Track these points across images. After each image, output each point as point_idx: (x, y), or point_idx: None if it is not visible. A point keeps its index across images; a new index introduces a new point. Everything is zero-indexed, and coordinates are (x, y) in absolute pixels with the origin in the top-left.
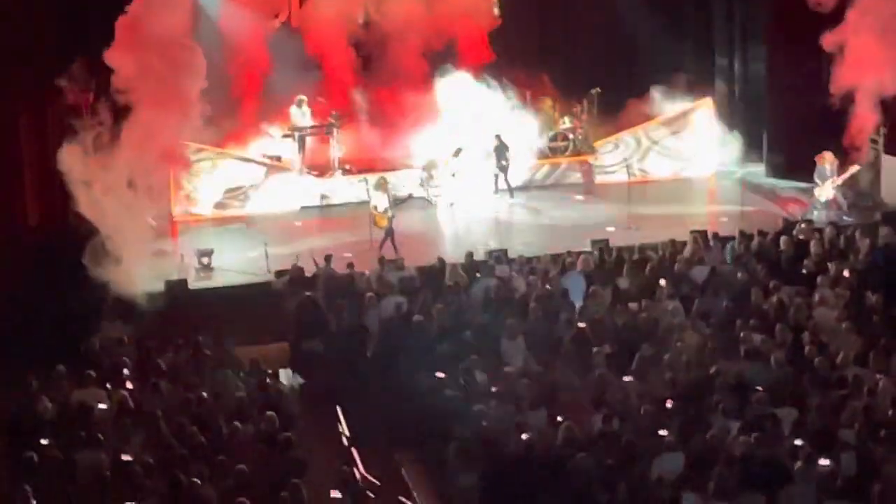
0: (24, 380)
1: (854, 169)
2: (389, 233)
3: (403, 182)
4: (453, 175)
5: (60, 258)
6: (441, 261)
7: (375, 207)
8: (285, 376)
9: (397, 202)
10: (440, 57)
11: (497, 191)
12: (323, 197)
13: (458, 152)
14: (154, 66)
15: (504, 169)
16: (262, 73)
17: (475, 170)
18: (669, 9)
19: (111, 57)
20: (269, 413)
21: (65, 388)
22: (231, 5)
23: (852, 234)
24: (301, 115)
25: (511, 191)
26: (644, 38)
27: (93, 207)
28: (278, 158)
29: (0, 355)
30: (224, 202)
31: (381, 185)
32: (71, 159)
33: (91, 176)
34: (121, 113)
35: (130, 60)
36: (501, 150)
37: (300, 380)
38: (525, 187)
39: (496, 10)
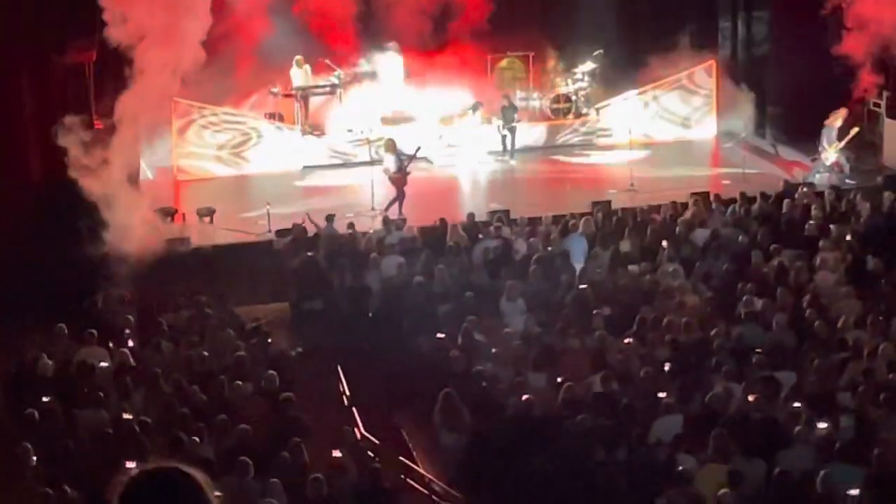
0: (26, 338)
1: (854, 131)
2: (402, 195)
3: (411, 140)
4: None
5: (62, 216)
6: (443, 221)
7: (387, 169)
8: None
9: (407, 159)
10: (440, 15)
11: (505, 151)
12: (326, 156)
13: (475, 107)
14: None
15: (512, 130)
16: (263, 31)
17: (480, 130)
18: None
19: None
20: (269, 372)
21: (66, 347)
22: None
23: (854, 197)
24: (302, 74)
25: (513, 152)
26: (645, 3)
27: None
28: (281, 117)
29: (1, 313)
30: (226, 161)
31: (390, 147)
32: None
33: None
34: (122, 69)
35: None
36: (510, 111)
37: None
38: (527, 148)
39: None
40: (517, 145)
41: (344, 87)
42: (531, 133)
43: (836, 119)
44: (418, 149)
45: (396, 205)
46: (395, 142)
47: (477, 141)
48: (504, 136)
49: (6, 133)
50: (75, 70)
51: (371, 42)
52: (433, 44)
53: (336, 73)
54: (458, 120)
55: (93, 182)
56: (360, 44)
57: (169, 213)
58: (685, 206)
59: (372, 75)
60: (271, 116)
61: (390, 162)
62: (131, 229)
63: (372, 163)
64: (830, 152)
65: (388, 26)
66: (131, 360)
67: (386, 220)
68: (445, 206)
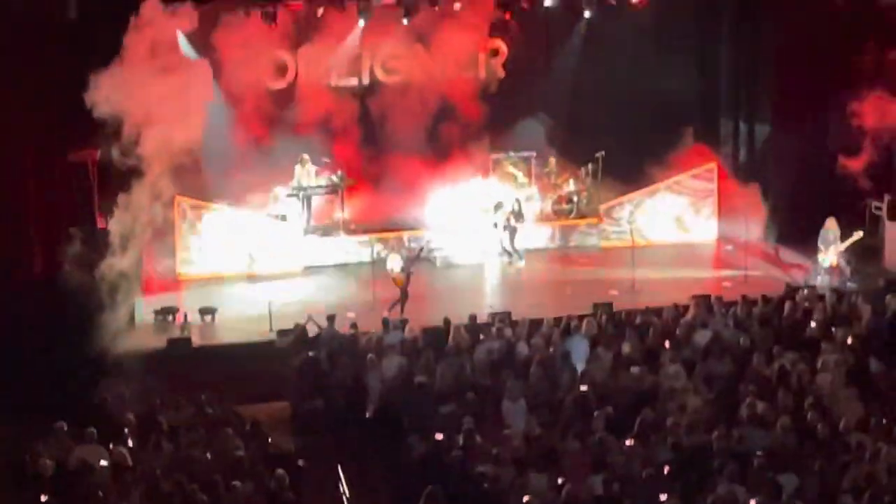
0: (25, 435)
1: (857, 235)
2: (405, 295)
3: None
4: (495, 225)
5: (64, 313)
6: (447, 322)
7: (392, 269)
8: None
9: (411, 260)
10: (441, 115)
11: (504, 252)
12: (327, 256)
13: (498, 206)
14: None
15: (514, 232)
16: (268, 132)
17: (484, 231)
18: (674, 74)
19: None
20: (279, 471)
21: (65, 445)
22: (235, 64)
23: (855, 300)
24: (305, 174)
25: (515, 254)
26: (649, 102)
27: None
28: (283, 217)
29: (1, 409)
30: (229, 260)
31: (395, 246)
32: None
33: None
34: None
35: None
36: (517, 216)
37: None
38: (529, 249)
39: (501, 71)
40: (518, 246)
41: (346, 187)
42: (533, 234)
43: (833, 223)
44: (422, 249)
45: (399, 305)
46: (401, 241)
47: (482, 240)
48: (507, 237)
49: (9, 230)
50: (78, 169)
51: (373, 142)
52: (432, 146)
53: (338, 173)
54: (482, 217)
55: (95, 280)
56: (361, 149)
57: (170, 312)
58: (686, 307)
59: (375, 181)
60: (274, 216)
61: (394, 262)
62: (133, 328)
63: (374, 263)
64: (830, 255)
65: (387, 131)
66: (130, 459)
67: (385, 322)
68: (448, 307)
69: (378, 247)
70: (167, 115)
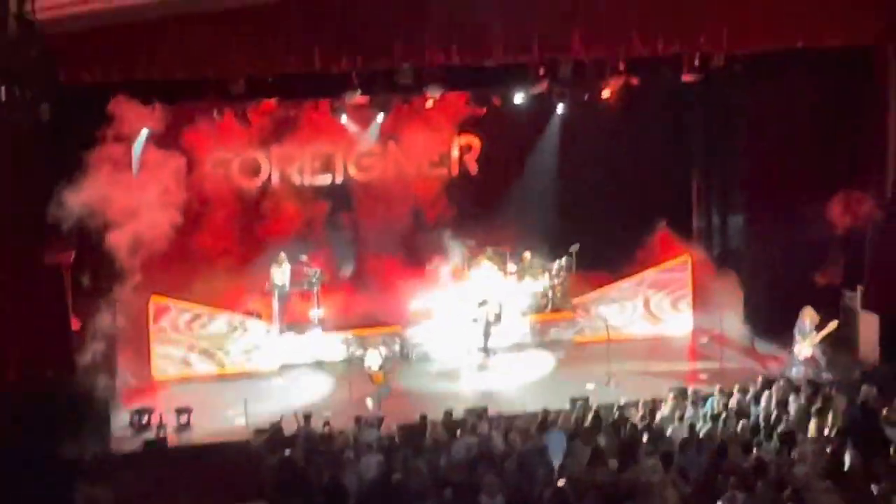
0: None
1: (832, 325)
2: (386, 392)
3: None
4: (474, 321)
5: (39, 416)
6: (423, 418)
7: (370, 367)
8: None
9: (388, 360)
10: (416, 211)
11: (485, 348)
12: (303, 354)
13: (482, 303)
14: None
15: (490, 332)
16: (243, 231)
17: (461, 326)
18: (647, 167)
19: None
20: None
21: None
22: (211, 162)
23: (830, 391)
24: (281, 273)
25: (489, 351)
26: (622, 196)
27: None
28: (259, 315)
29: None
30: (204, 359)
31: (373, 343)
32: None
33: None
34: (100, 270)
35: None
36: (497, 317)
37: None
38: (505, 345)
39: (474, 168)
40: (492, 344)
41: (321, 285)
42: (509, 328)
43: (809, 314)
44: (402, 351)
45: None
46: (381, 339)
47: (459, 336)
48: (482, 336)
49: None
50: (52, 271)
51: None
52: (407, 242)
53: (313, 270)
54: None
55: (71, 383)
56: (336, 246)
57: (146, 413)
58: (663, 400)
59: (351, 278)
60: (249, 314)
61: (373, 359)
62: (108, 429)
63: (350, 361)
64: (805, 346)
65: (362, 228)
66: None
67: (358, 419)
68: (425, 402)
69: (353, 345)
70: (139, 215)
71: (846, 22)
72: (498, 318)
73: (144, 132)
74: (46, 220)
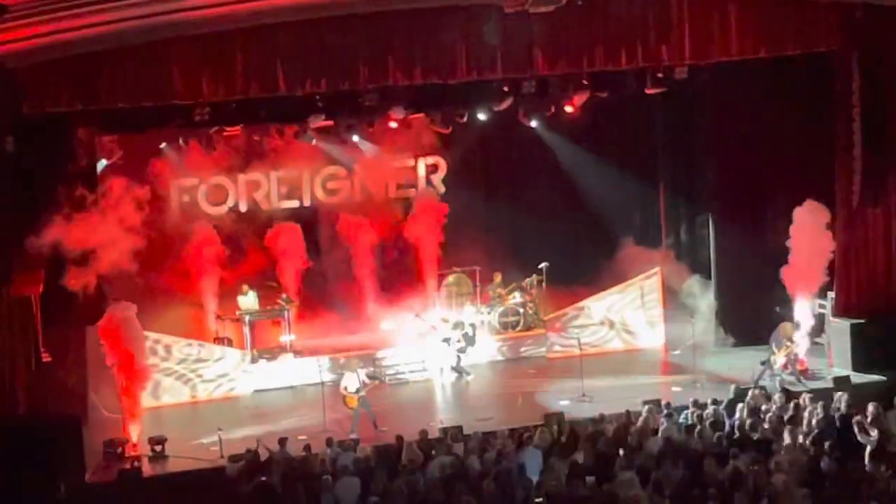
0: None
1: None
2: (359, 414)
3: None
4: (447, 342)
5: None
6: (399, 439)
7: (346, 388)
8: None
9: (367, 383)
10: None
11: (453, 370)
12: (275, 379)
13: (457, 325)
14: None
15: (462, 352)
16: (214, 257)
17: (433, 347)
18: (615, 180)
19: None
20: None
21: None
22: (177, 191)
23: (804, 399)
24: (248, 300)
25: (462, 372)
26: (593, 211)
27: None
28: (230, 341)
29: None
30: (176, 387)
31: (351, 366)
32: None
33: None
34: (70, 302)
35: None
36: (469, 340)
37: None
38: (478, 363)
39: (441, 187)
40: (467, 359)
41: (291, 310)
42: (481, 347)
43: (787, 327)
44: (378, 377)
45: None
46: (357, 363)
47: (431, 356)
48: (454, 357)
49: None
50: (21, 302)
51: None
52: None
53: (283, 297)
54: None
55: (43, 414)
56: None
57: (119, 444)
58: (638, 414)
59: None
60: (220, 341)
61: (350, 381)
62: (82, 461)
63: (323, 384)
64: (780, 356)
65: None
66: None
67: (329, 441)
68: (399, 423)
69: (325, 369)
70: (104, 246)
71: (807, 30)
72: (471, 338)
73: (103, 163)
74: (14, 252)
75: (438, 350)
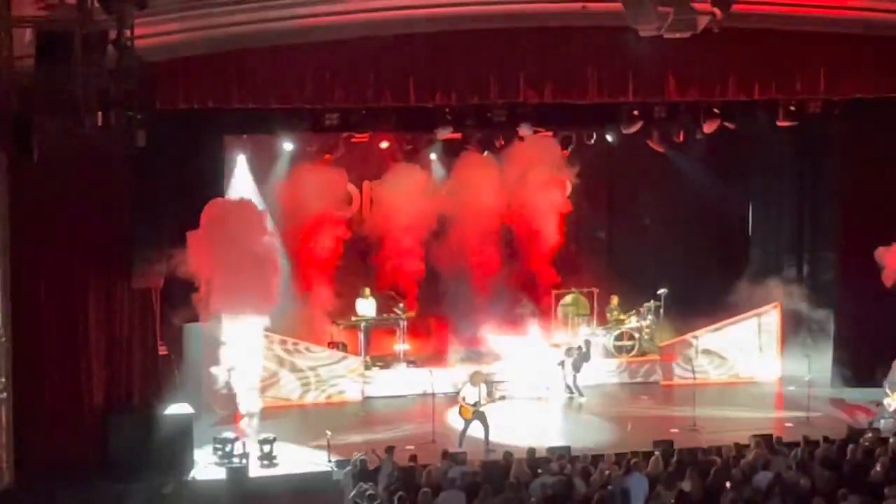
0: None
1: None
2: (467, 426)
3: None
4: (561, 364)
5: (122, 440)
6: (508, 455)
7: (464, 398)
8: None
9: (488, 398)
10: (508, 250)
11: (567, 388)
12: (387, 387)
13: (569, 351)
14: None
15: (578, 370)
16: (334, 262)
17: (547, 366)
18: (738, 209)
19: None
20: None
21: None
22: (303, 195)
23: None
24: (367, 305)
25: (577, 392)
26: (712, 240)
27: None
28: (345, 347)
29: None
30: (289, 390)
31: (476, 379)
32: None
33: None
34: (189, 297)
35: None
36: (584, 356)
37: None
38: (590, 385)
39: (566, 206)
40: (581, 383)
41: (407, 320)
42: (594, 369)
43: None
44: (503, 397)
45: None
46: (483, 376)
47: (546, 375)
48: (571, 375)
49: (72, 355)
50: (142, 295)
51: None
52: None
53: (399, 305)
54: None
55: (156, 408)
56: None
57: (229, 442)
58: (747, 447)
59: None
60: (335, 345)
61: (470, 392)
62: (191, 457)
63: (434, 395)
64: (894, 398)
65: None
66: None
67: (445, 454)
68: (508, 442)
69: (468, 376)
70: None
71: None
72: (585, 357)
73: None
74: (137, 246)
75: (551, 370)
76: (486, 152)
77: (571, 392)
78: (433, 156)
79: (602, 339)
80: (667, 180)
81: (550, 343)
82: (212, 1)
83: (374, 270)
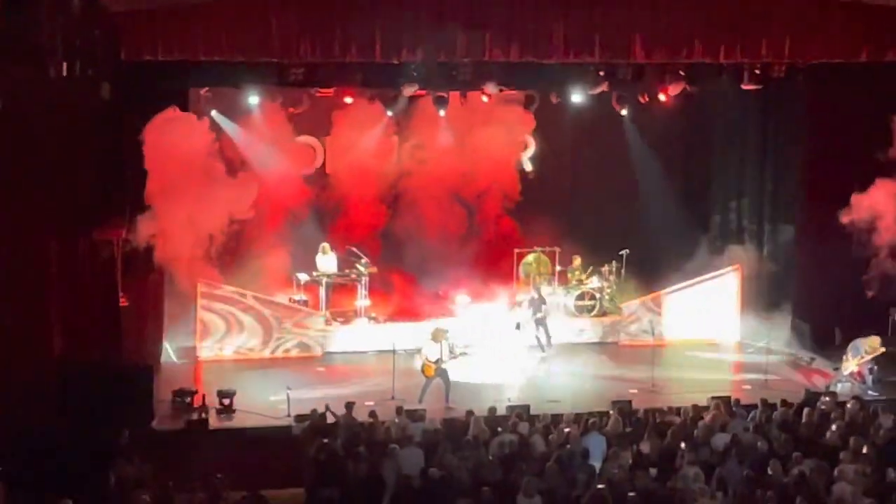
0: None
1: (881, 350)
2: (430, 385)
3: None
4: (517, 327)
5: (81, 392)
6: (469, 413)
7: (427, 357)
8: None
9: (448, 355)
10: (468, 208)
11: (540, 345)
12: (347, 343)
13: (518, 326)
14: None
15: (540, 321)
16: (294, 217)
17: (509, 324)
18: (700, 173)
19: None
20: None
21: None
22: (266, 152)
23: (876, 408)
24: (327, 260)
25: (544, 345)
26: (674, 202)
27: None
28: (305, 302)
29: (12, 489)
30: (249, 344)
31: (437, 336)
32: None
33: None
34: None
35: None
36: (538, 302)
37: None
38: (551, 344)
39: (528, 165)
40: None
41: (369, 275)
42: (554, 329)
43: (873, 339)
44: (464, 353)
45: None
46: (445, 333)
47: (507, 333)
48: (540, 329)
49: (29, 306)
50: (103, 247)
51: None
52: (459, 238)
53: (362, 261)
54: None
55: (116, 359)
56: (385, 237)
57: (188, 394)
58: (706, 408)
59: (399, 270)
60: (295, 301)
61: (431, 350)
62: (150, 408)
63: (395, 352)
64: (852, 363)
65: (413, 220)
66: None
67: (399, 410)
68: (466, 400)
69: (399, 337)
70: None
71: None
72: (542, 302)
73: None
74: (101, 197)
75: (512, 331)
76: (442, 111)
77: (544, 350)
78: (389, 113)
79: (563, 298)
80: (630, 144)
81: (512, 301)
82: None
83: (336, 226)
